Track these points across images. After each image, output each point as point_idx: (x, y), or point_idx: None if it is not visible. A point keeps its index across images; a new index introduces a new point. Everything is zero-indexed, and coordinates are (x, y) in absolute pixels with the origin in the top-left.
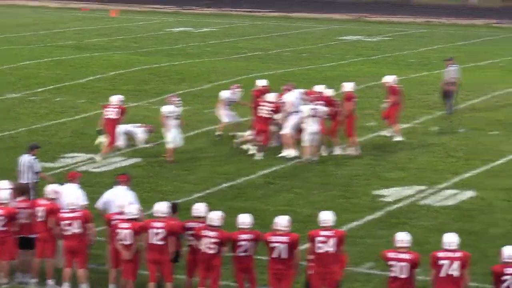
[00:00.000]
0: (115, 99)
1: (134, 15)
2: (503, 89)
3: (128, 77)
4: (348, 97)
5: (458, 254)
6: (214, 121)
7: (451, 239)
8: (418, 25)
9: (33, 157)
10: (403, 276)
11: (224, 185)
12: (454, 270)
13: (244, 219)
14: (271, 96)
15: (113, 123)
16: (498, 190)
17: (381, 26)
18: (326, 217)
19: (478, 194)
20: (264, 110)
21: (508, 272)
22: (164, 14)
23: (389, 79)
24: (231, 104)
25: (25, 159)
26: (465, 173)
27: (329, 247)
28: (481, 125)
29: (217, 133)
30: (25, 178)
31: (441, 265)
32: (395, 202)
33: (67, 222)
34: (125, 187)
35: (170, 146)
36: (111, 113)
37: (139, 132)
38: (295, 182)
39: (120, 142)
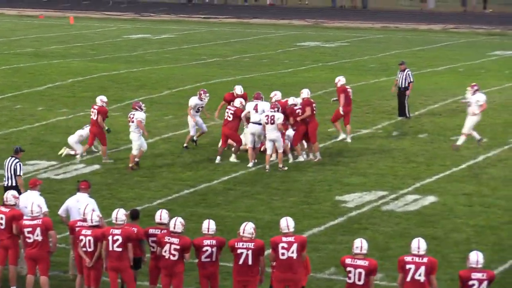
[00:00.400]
0: (98, 99)
1: (91, 22)
2: (462, 94)
3: (86, 84)
4: (307, 103)
5: (425, 260)
6: (174, 127)
7: (419, 244)
8: (375, 31)
9: (17, 160)
10: (359, 282)
11: (186, 191)
12: (420, 275)
13: (208, 225)
14: (237, 102)
15: (95, 123)
16: (459, 195)
17: (339, 32)
18: (287, 223)
19: (439, 200)
20: (228, 114)
21: (475, 277)
22: (122, 21)
23: (340, 80)
24: (199, 110)
25: (10, 162)
26: (426, 178)
27: (292, 253)
28: (442, 130)
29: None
30: (10, 182)
31: (408, 270)
32: (357, 207)
33: (28, 229)
34: (86, 194)
35: (134, 152)
36: (92, 114)
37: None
38: (256, 188)
39: (78, 150)
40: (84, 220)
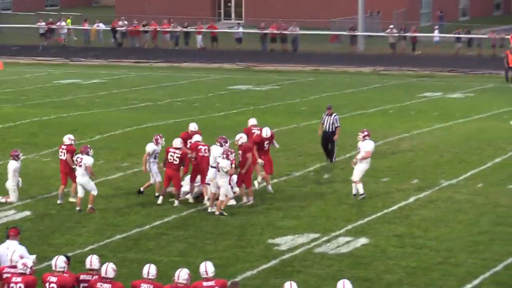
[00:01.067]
0: (66, 138)
1: (21, 68)
2: (393, 135)
3: (17, 129)
4: (245, 148)
5: None
6: (105, 172)
7: (345, 286)
8: (306, 73)
9: None
10: None
11: (118, 236)
12: None
13: (148, 270)
14: (177, 142)
15: (64, 164)
16: (391, 237)
17: (270, 75)
18: (205, 268)
19: (371, 241)
20: (173, 156)
21: None
22: (51, 66)
23: (250, 121)
24: (157, 157)
25: None
26: (358, 220)
27: None
28: (373, 172)
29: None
30: None
31: None
32: (290, 250)
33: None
34: (16, 241)
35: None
36: (61, 153)
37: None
38: (189, 232)
39: (12, 197)
40: (14, 266)
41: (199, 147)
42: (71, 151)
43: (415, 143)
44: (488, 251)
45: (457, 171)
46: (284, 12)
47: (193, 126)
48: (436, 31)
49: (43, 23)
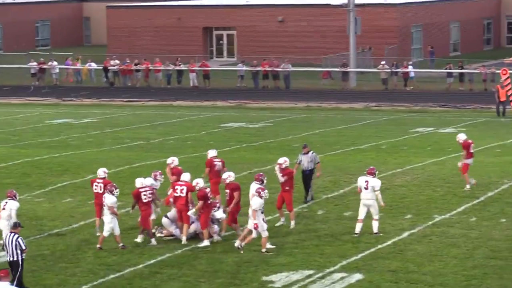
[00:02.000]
0: (101, 171)
1: (13, 108)
2: (387, 171)
3: (10, 170)
4: (235, 187)
5: None
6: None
7: None
8: (299, 110)
9: (16, 235)
10: None
11: (112, 276)
12: None
13: None
14: (147, 181)
15: (99, 197)
16: (385, 272)
17: (262, 112)
18: None
19: (365, 277)
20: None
21: None
22: (43, 106)
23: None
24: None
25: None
26: (352, 256)
27: None
28: None
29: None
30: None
31: None
32: (284, 287)
33: None
34: (7, 282)
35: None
36: (96, 187)
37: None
38: (183, 270)
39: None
40: None
41: (176, 186)
42: (108, 184)
43: (408, 178)
44: (481, 285)
45: (451, 206)
46: (276, 49)
47: (213, 152)
48: (411, 67)
49: (35, 63)
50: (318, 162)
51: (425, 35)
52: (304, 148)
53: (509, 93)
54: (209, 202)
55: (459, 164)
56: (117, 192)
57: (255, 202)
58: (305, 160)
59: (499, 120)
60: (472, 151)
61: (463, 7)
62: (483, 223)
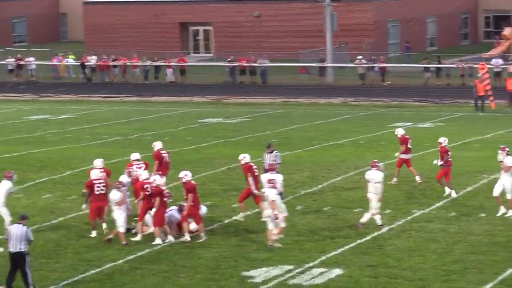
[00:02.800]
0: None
1: None
2: (365, 166)
3: None
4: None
5: None
6: (77, 207)
7: None
8: (276, 106)
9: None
10: None
11: (91, 271)
12: None
13: None
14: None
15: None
16: (365, 267)
17: (240, 108)
18: None
19: (345, 272)
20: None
21: None
22: (21, 102)
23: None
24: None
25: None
26: (332, 251)
27: None
28: (345, 203)
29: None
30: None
31: None
32: (264, 282)
33: None
34: None
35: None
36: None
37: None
38: (162, 266)
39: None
40: None
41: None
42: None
43: (387, 173)
44: (461, 280)
45: (430, 201)
46: (253, 44)
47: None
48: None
49: (12, 59)
50: (279, 163)
51: (402, 30)
52: (268, 147)
53: (487, 88)
54: (164, 199)
55: (396, 154)
56: (124, 188)
57: (271, 193)
58: (268, 159)
59: (478, 115)
60: (410, 146)
61: (440, 1)
62: (462, 218)
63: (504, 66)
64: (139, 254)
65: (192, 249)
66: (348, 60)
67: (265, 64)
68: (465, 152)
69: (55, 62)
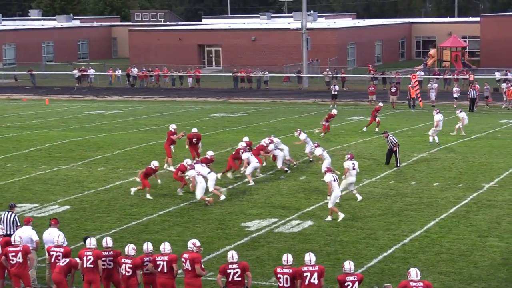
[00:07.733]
0: (173, 126)
1: (61, 103)
2: (330, 147)
3: (59, 147)
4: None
5: (316, 268)
6: (123, 177)
7: (310, 258)
8: (266, 104)
9: (13, 214)
10: (287, 285)
11: (133, 222)
12: (314, 279)
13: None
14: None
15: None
16: (329, 220)
17: (241, 106)
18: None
19: (315, 223)
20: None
21: (349, 279)
22: (83, 101)
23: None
24: None
25: (8, 215)
26: (306, 208)
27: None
28: (318, 173)
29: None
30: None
31: (305, 276)
32: (257, 230)
33: (12, 254)
34: (55, 228)
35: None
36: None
37: None
38: (184, 218)
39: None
40: (58, 246)
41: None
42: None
43: (345, 152)
44: (398, 229)
45: (375, 172)
46: (250, 60)
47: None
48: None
49: (76, 70)
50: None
51: (357, 50)
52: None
53: (417, 92)
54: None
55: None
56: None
57: (328, 177)
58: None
59: (410, 111)
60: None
61: (384, 30)
62: (399, 184)
63: (424, 77)
64: (167, 210)
65: (205, 207)
66: (318, 72)
67: (259, 75)
68: (401, 138)
69: (109, 72)
